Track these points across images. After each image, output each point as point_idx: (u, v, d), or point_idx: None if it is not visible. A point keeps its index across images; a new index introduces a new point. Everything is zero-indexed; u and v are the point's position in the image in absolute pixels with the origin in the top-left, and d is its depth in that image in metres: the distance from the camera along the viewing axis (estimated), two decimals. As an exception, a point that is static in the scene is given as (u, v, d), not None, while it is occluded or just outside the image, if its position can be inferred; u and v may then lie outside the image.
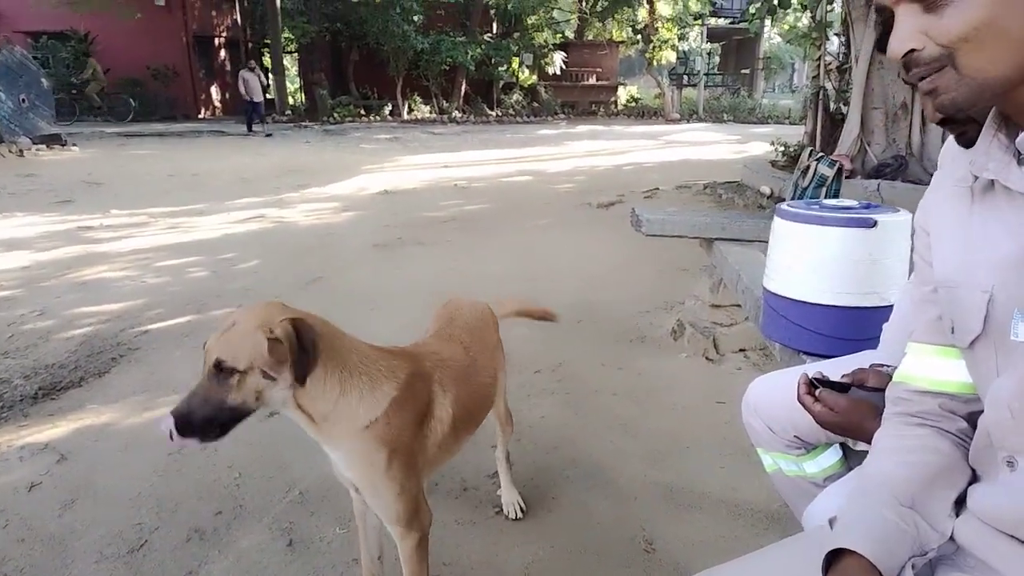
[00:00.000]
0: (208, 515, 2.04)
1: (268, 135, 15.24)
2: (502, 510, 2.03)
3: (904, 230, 1.70)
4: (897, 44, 0.72)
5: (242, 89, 15.79)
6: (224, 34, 22.34)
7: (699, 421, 2.60)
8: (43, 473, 2.27)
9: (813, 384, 1.27)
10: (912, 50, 0.71)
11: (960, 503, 0.86)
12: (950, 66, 0.69)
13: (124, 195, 7.69)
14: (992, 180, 0.78)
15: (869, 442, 1.28)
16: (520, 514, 2.01)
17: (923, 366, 0.96)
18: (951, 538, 0.83)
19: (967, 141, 0.83)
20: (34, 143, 11.64)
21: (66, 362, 3.19)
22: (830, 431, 1.32)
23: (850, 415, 1.20)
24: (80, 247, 5.40)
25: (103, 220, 6.40)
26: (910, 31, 0.71)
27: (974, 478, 0.87)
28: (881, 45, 3.54)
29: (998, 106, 0.76)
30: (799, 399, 1.28)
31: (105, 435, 2.54)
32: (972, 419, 0.90)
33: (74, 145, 12.27)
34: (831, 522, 0.93)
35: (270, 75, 19.82)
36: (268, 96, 16.22)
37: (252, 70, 15.92)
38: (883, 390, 1.12)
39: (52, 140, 12.11)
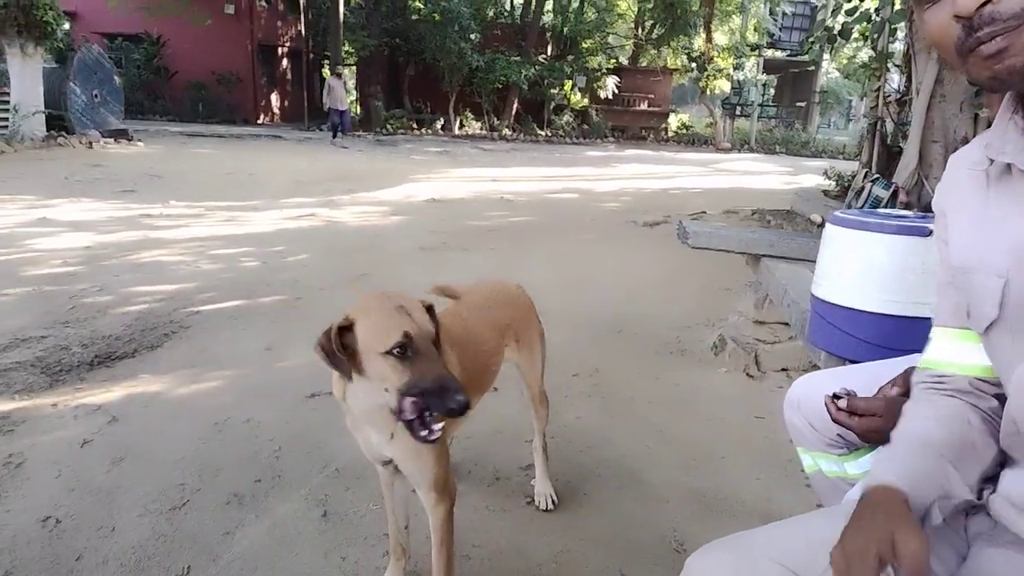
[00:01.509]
0: (248, 482, 2.10)
1: (344, 147, 14.85)
2: (533, 500, 2.04)
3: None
4: None
5: (325, 98, 15.72)
6: (287, 44, 23.13)
7: (736, 433, 2.57)
8: (95, 432, 2.37)
9: (837, 397, 1.25)
10: (987, 3, 0.68)
11: (988, 481, 0.85)
12: None
13: (183, 188, 7.98)
14: (1008, 164, 0.77)
15: None
16: (552, 506, 2.01)
17: (948, 351, 0.95)
18: (988, 514, 0.82)
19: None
20: (103, 136, 12.19)
21: (121, 334, 3.33)
22: (878, 441, 1.29)
23: (892, 416, 1.18)
24: (140, 232, 5.63)
25: (163, 209, 6.66)
26: None
27: (1003, 460, 0.85)
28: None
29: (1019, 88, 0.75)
30: (834, 420, 1.26)
31: (155, 402, 2.64)
32: (1001, 399, 0.89)
33: (139, 141, 12.80)
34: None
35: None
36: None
37: (339, 76, 15.75)
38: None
39: (119, 135, 12.67)
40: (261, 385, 2.84)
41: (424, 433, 1.24)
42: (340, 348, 1.21)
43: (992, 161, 0.79)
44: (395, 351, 1.20)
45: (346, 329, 1.23)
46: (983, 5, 0.69)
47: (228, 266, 4.72)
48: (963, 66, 0.74)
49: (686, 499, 2.11)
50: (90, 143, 11.69)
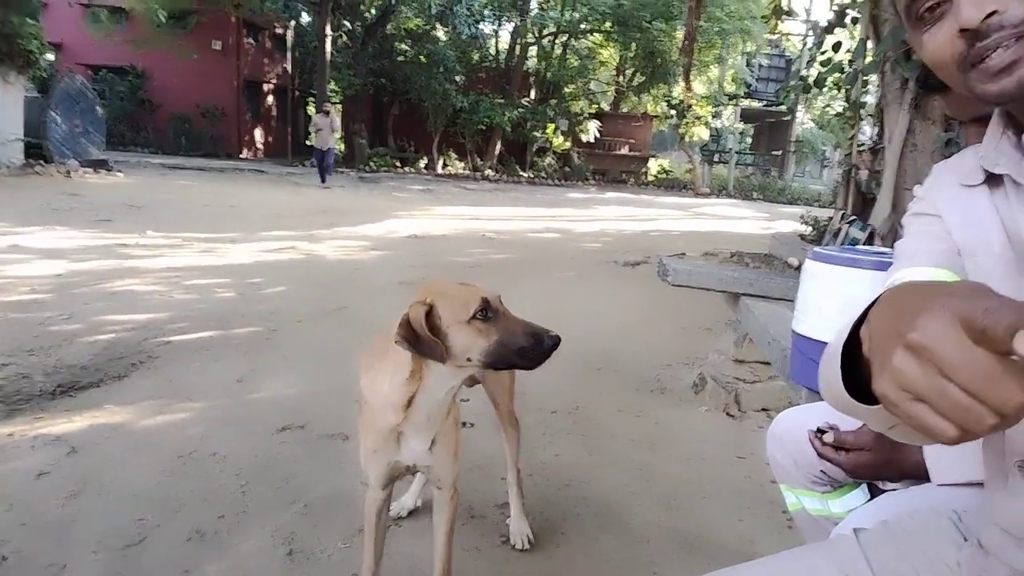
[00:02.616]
0: (211, 518, 2.01)
1: (327, 186, 13.80)
2: (509, 540, 1.97)
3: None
4: (977, 7, 0.68)
5: (313, 136, 14.26)
6: (273, 81, 23.32)
7: (717, 473, 2.53)
8: (52, 463, 2.27)
9: (821, 432, 1.22)
10: (992, 13, 0.68)
11: None
12: None
13: (162, 219, 7.89)
14: (1001, 176, 0.78)
15: (908, 477, 1.23)
16: (528, 545, 1.95)
17: (928, 276, 0.84)
18: (981, 547, 0.79)
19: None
20: (82, 166, 12.10)
21: (87, 364, 3.22)
22: (866, 477, 1.26)
23: (882, 449, 1.15)
24: (114, 261, 5.52)
25: (139, 239, 6.56)
26: None
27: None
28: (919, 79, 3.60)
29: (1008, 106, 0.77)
30: (820, 455, 1.23)
31: (118, 434, 2.54)
32: None
33: (119, 171, 12.71)
34: (856, 531, 0.89)
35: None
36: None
37: (326, 113, 14.16)
38: None
39: (99, 165, 12.58)
40: (230, 418, 2.75)
41: (531, 358, 1.30)
42: (428, 332, 1.25)
43: (988, 174, 0.80)
44: (479, 315, 1.27)
45: (427, 313, 1.27)
46: (990, 15, 0.68)
47: (203, 296, 4.63)
48: (966, 83, 0.74)
49: (666, 539, 2.05)
50: (68, 172, 11.57)
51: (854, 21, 6.54)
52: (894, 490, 1.30)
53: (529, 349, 1.29)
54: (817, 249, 1.84)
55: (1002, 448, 0.77)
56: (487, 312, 1.28)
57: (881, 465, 1.20)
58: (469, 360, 1.29)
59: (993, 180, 0.81)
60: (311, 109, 22.23)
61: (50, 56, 20.48)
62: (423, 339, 1.24)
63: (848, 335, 0.63)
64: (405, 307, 1.30)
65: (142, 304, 4.33)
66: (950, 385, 0.47)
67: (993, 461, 0.80)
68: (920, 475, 1.20)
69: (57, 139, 12.18)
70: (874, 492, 1.39)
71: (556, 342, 1.30)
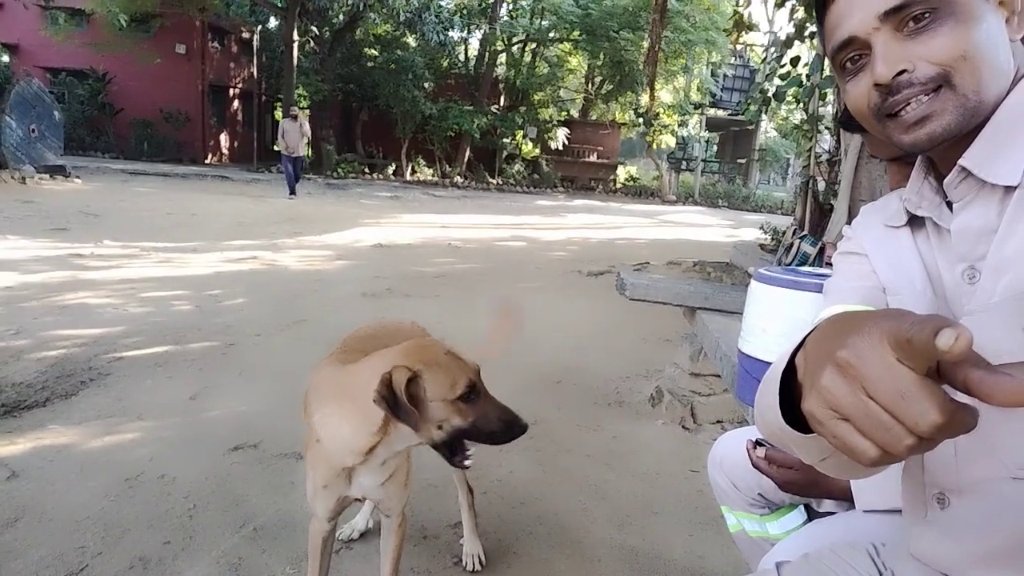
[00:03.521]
0: (156, 544, 1.97)
1: (291, 195, 12.70)
2: (460, 561, 1.96)
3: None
4: (887, 66, 0.72)
5: (281, 142, 12.88)
6: (239, 85, 23.00)
7: (671, 488, 2.56)
8: (-10, 489, 2.20)
9: (759, 444, 1.25)
10: (903, 72, 0.72)
11: None
12: (946, 86, 0.71)
13: (120, 228, 7.72)
14: (923, 218, 0.82)
15: (836, 498, 1.26)
16: (479, 566, 1.94)
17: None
18: None
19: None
20: (38, 172, 11.78)
21: (34, 382, 3.13)
22: (795, 493, 1.30)
23: (809, 469, 1.17)
24: (67, 272, 5.39)
25: (95, 249, 6.41)
26: (899, 53, 0.72)
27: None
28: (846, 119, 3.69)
29: (929, 152, 0.80)
30: (754, 465, 1.26)
31: (62, 456, 2.47)
32: None
33: (77, 177, 12.41)
34: (778, 566, 0.91)
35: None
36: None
37: (294, 118, 12.91)
38: None
39: (56, 171, 12.26)
40: (181, 437, 2.69)
41: (461, 460, 1.34)
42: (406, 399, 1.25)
43: (911, 215, 0.83)
44: (463, 396, 1.28)
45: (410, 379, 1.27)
46: (900, 73, 0.72)
47: (158, 310, 4.54)
48: (884, 131, 0.77)
49: (618, 558, 2.07)
50: (23, 179, 11.26)
51: (812, 36, 6.70)
52: (829, 512, 1.33)
53: (499, 434, 1.33)
54: (761, 271, 1.87)
55: (921, 479, 0.80)
56: (471, 394, 1.29)
57: (808, 484, 1.23)
58: (440, 429, 1.30)
59: (916, 222, 0.84)
60: (279, 114, 21.96)
61: (4, 58, 19.98)
62: (401, 404, 1.22)
63: (786, 364, 0.65)
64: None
65: (95, 318, 4.23)
66: (871, 403, 0.48)
67: (912, 492, 0.82)
68: (846, 498, 1.24)
69: (11, 144, 11.83)
70: (812, 514, 1.42)
71: (524, 430, 1.35)
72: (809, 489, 1.23)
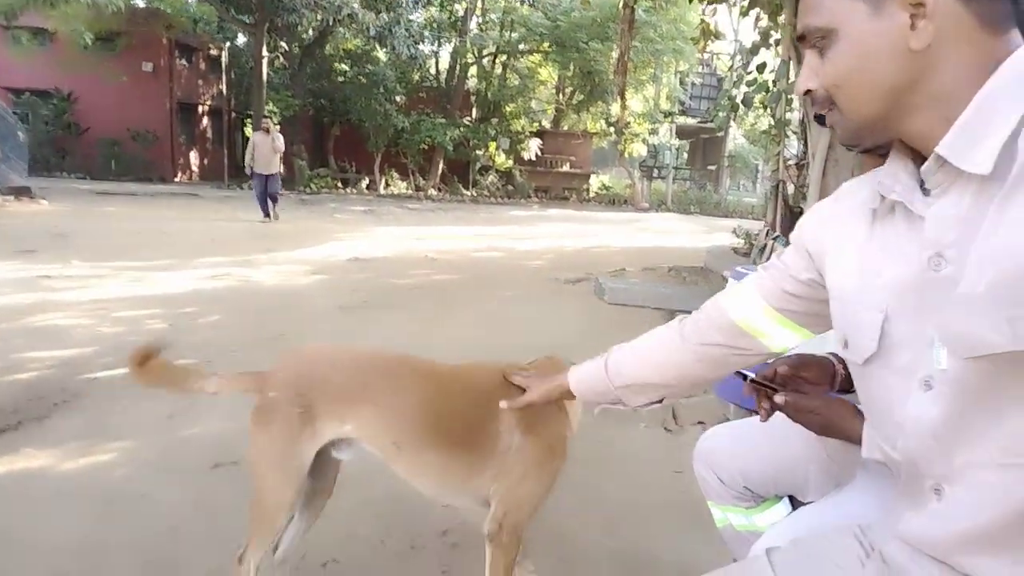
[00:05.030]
0: (137, 567, 1.93)
1: (266, 217, 11.45)
2: (449, 571, 1.95)
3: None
4: (800, 83, 0.84)
5: (248, 158, 11.42)
6: (208, 103, 22.76)
7: (656, 490, 2.57)
8: (-38, 517, 2.14)
9: (756, 383, 1.20)
10: (810, 90, 0.83)
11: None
12: (835, 105, 0.82)
13: (89, 248, 7.58)
14: (894, 203, 0.83)
15: (854, 442, 1.20)
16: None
17: (765, 327, 1.09)
18: (884, 561, 0.83)
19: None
20: (2, 194, 11.54)
21: (4, 405, 3.06)
22: (809, 426, 1.20)
23: (828, 413, 1.12)
24: (36, 294, 5.27)
25: (63, 270, 6.28)
26: (809, 73, 0.83)
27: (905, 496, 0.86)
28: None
29: (892, 138, 0.83)
30: (759, 406, 1.20)
31: (37, 480, 2.41)
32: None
33: (43, 199, 12.16)
34: (768, 551, 0.93)
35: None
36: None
37: (266, 132, 11.45)
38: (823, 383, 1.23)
39: (21, 192, 12.02)
40: (161, 457, 2.65)
41: None
42: None
43: (883, 198, 0.84)
44: None
45: None
46: (807, 92, 0.84)
47: (132, 329, 4.46)
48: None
49: (605, 561, 2.08)
50: (-13, 201, 11.02)
51: (777, 43, 6.84)
52: (812, 503, 1.35)
53: None
54: (738, 268, 1.91)
55: (917, 470, 0.81)
56: None
57: (825, 426, 1.12)
58: None
59: (888, 206, 0.85)
60: (249, 131, 21.74)
61: (-34, 79, 19.54)
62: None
63: None
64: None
65: (66, 339, 4.14)
66: None
67: (910, 479, 0.83)
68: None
69: (-26, 166, 11.59)
70: (796, 506, 1.44)
71: None
72: (826, 430, 1.17)
